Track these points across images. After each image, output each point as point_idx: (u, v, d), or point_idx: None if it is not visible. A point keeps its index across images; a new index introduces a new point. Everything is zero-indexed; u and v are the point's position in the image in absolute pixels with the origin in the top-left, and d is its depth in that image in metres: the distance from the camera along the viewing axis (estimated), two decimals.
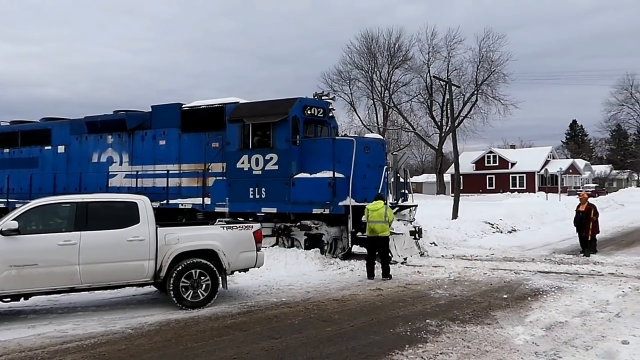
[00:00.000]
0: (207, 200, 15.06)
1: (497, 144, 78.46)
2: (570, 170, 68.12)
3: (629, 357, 6.03)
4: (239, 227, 9.37)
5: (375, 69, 53.42)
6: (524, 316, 7.95)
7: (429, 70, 50.18)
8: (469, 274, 11.60)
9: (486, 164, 68.31)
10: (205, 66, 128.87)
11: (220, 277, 8.96)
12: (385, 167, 14.10)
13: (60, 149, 19.08)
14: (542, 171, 62.21)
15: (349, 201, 13.14)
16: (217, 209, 14.75)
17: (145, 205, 8.70)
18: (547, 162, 66.92)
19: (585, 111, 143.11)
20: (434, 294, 9.68)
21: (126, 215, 8.53)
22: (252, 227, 9.48)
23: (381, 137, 15.95)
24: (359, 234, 13.23)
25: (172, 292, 8.56)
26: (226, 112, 15.16)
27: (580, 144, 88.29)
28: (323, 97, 15.78)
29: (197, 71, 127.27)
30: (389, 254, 11.85)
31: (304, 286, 10.57)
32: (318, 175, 13.62)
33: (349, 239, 13.51)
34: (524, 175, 65.44)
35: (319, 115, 14.91)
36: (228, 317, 8.14)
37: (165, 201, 15.76)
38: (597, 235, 15.04)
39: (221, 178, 14.97)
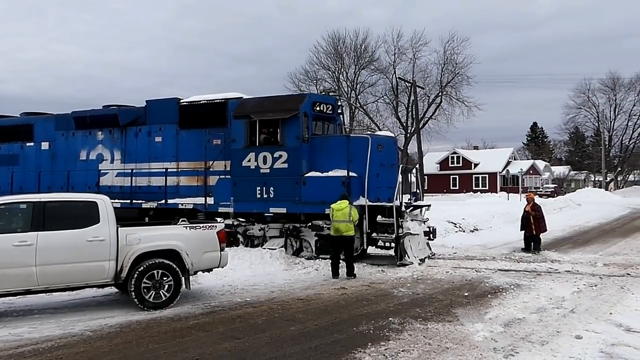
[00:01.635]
0: (210, 200, 14.42)
1: (460, 145, 79.92)
2: (531, 171, 69.93)
3: (582, 351, 6.25)
4: (203, 227, 9.28)
5: (342, 70, 53.66)
6: (484, 313, 8.14)
7: (394, 72, 50.72)
8: (431, 272, 11.78)
9: (450, 165, 69.50)
10: (171, 65, 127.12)
11: (183, 278, 8.86)
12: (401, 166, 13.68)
13: (44, 145, 17.93)
14: (504, 172, 63.80)
15: (365, 201, 12.82)
16: (221, 209, 14.24)
17: (105, 205, 8.53)
18: (508, 163, 68.62)
19: (546, 114, 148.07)
20: (397, 293, 9.80)
21: (86, 215, 8.34)
22: (215, 226, 9.41)
23: (393, 135, 15.28)
24: (374, 234, 12.96)
25: (133, 293, 8.41)
26: (229, 107, 14.50)
27: (540, 146, 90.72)
28: (330, 94, 15.38)
29: (162, 70, 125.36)
30: (352, 255, 11.79)
31: (269, 286, 10.55)
32: (330, 173, 13.19)
33: (364, 240, 13.11)
34: (487, 175, 66.90)
35: (327, 112, 14.44)
36: (191, 318, 8.05)
37: (163, 201, 15.04)
38: (554, 234, 15.51)
39: (225, 177, 14.34)
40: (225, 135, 14.56)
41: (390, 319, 7.81)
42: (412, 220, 13.26)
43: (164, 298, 8.61)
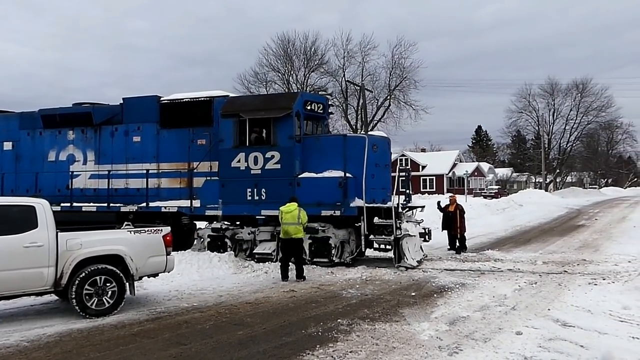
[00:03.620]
0: (196, 203, 13.86)
1: (409, 148, 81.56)
2: (476, 173, 72.16)
3: (522, 346, 6.48)
4: (148, 231, 9.05)
5: (292, 72, 53.62)
6: (430, 312, 8.31)
7: (344, 75, 51.11)
8: (380, 273, 11.93)
9: (399, 167, 70.65)
10: (115, 65, 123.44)
11: (127, 283, 8.62)
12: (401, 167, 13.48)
13: (7, 145, 16.77)
14: (450, 174, 65.47)
15: (362, 202, 12.51)
16: (208, 212, 13.70)
17: (44, 209, 8.17)
18: (454, 165, 70.56)
19: (489, 118, 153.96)
20: (346, 294, 9.87)
21: (23, 220, 7.96)
22: (161, 230, 9.19)
23: (386, 136, 14.96)
24: (371, 237, 12.71)
25: (74, 301, 8.10)
26: (215, 106, 14.02)
27: (484, 148, 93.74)
28: (320, 93, 15.10)
29: (106, 70, 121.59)
30: (301, 257, 11.74)
31: (217, 290, 10.40)
32: (326, 174, 12.85)
33: (363, 242, 12.82)
34: (434, 177, 68.55)
35: (318, 111, 14.09)
36: (135, 325, 7.83)
37: (144, 204, 14.36)
38: (497, 235, 16.06)
39: (212, 178, 13.79)
40: (210, 135, 14.09)
41: (338, 320, 7.85)
42: (407, 222, 13.01)
43: (107, 305, 8.33)
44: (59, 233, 8.14)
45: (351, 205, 12.59)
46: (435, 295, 9.64)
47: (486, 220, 25.28)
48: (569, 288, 9.97)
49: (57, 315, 8.42)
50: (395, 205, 12.66)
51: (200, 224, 14.91)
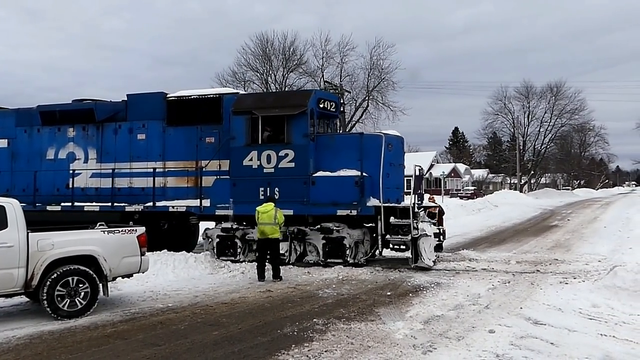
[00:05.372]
0: (206, 202, 13.48)
1: None
2: (452, 174, 72.95)
3: (494, 344, 6.58)
4: (122, 231, 8.95)
5: (271, 72, 53.48)
6: (405, 311, 8.38)
7: (322, 75, 51.17)
8: (356, 273, 11.97)
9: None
10: (92, 64, 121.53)
11: (100, 284, 8.50)
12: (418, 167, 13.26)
13: (2, 143, 16.22)
14: (427, 174, 66.00)
15: (378, 202, 12.31)
16: (219, 212, 13.33)
17: (14, 209, 8.02)
18: (431, 166, 71.15)
19: (466, 119, 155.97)
20: (322, 294, 9.89)
21: None
22: (136, 230, 9.09)
23: (400, 135, 14.69)
24: (388, 236, 12.47)
25: (45, 302, 7.97)
26: (224, 103, 13.73)
27: (461, 150, 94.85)
28: (331, 91, 14.84)
29: (83, 69, 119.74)
30: (277, 257, 11.68)
31: (193, 290, 10.32)
32: (341, 173, 12.62)
33: (380, 242, 12.59)
34: (411, 178, 68.88)
35: (331, 109, 13.90)
36: (108, 326, 7.73)
37: (150, 203, 13.98)
38: (472, 235, 16.27)
39: (223, 177, 13.48)
40: (219, 133, 13.80)
41: (314, 320, 7.87)
42: (423, 222, 12.87)
43: (79, 306, 8.21)
44: (29, 233, 8.00)
45: (368, 204, 12.40)
46: (410, 294, 9.72)
47: (462, 220, 25.55)
48: (541, 287, 10.15)
49: (28, 318, 8.26)
50: (412, 205, 12.53)
51: (204, 224, 14.64)
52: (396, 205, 12.95)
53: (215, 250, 13.49)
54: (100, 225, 9.14)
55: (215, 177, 13.63)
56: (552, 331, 7.14)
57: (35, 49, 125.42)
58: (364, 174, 12.47)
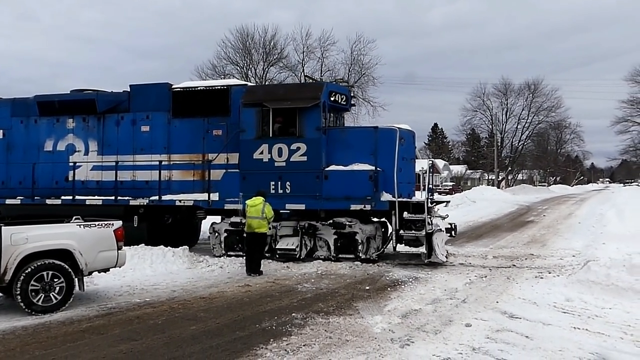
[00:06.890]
0: (214, 196, 13.20)
1: None
2: (431, 170, 73.36)
3: (470, 337, 6.67)
4: (98, 225, 8.82)
5: (251, 65, 53.16)
6: (383, 306, 8.44)
7: (303, 70, 51.04)
8: (335, 267, 12.01)
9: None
10: (68, 56, 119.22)
11: (76, 279, 8.38)
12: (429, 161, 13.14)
13: None
14: None
15: (392, 197, 12.16)
16: (228, 206, 13.04)
17: None
18: None
19: (445, 115, 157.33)
20: (301, 288, 9.90)
21: None
22: (112, 224, 8.97)
23: (411, 129, 14.47)
24: (401, 232, 12.30)
25: (19, 297, 7.83)
26: (232, 95, 13.47)
27: (440, 146, 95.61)
28: (341, 84, 14.52)
29: (58, 61, 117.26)
30: (261, 252, 11.69)
31: (170, 285, 10.24)
32: (354, 167, 12.43)
33: (394, 238, 12.42)
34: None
35: (341, 102, 13.64)
36: (84, 321, 7.63)
37: (155, 197, 13.68)
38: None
39: (231, 170, 13.20)
40: (227, 125, 13.54)
41: (293, 314, 7.87)
42: (435, 217, 12.79)
43: (54, 301, 8.09)
44: (2, 227, 7.84)
45: (382, 199, 12.25)
46: (389, 288, 9.79)
47: None
48: (517, 281, 10.31)
49: (1, 313, 8.11)
50: (426, 200, 12.45)
51: (210, 219, 14.41)
52: (410, 200, 12.86)
53: (222, 245, 13.32)
54: (76, 219, 8.99)
55: (224, 171, 13.42)
56: (527, 325, 7.26)
57: (9, 39, 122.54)
58: (378, 168, 12.38)
